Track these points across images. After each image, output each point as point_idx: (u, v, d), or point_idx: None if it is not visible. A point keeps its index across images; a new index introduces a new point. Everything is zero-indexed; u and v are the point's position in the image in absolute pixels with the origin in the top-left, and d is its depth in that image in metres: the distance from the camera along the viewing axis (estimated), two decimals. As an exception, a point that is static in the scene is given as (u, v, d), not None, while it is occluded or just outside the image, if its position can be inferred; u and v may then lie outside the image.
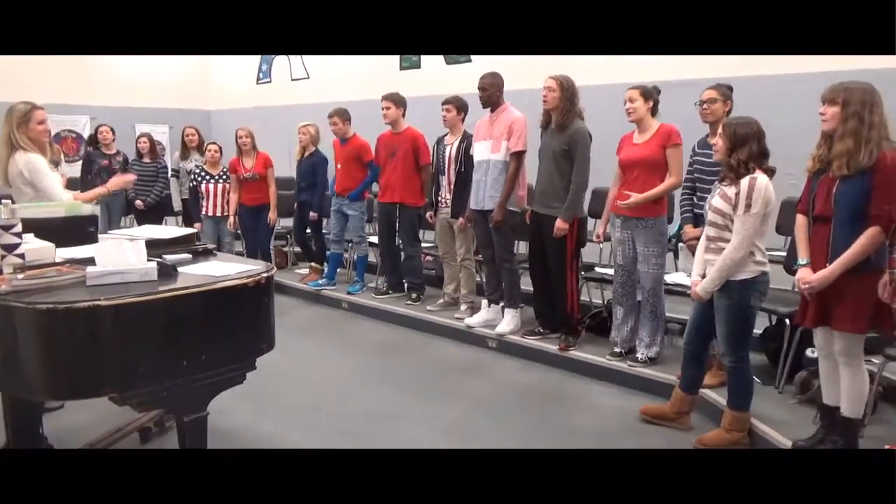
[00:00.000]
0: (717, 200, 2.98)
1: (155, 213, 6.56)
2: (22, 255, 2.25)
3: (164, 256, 2.49)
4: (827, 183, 2.70)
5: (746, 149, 2.86)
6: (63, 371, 2.06)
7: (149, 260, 2.33)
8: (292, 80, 9.16)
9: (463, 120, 5.08)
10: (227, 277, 2.34)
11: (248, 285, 2.35)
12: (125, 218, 6.98)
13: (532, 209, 4.44)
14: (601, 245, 4.31)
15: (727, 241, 2.94)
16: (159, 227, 3.57)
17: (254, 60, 9.58)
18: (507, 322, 4.69)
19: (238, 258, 3.07)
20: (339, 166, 5.89)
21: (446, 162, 5.09)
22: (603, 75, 5.66)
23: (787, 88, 4.96)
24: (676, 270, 4.37)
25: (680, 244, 4.17)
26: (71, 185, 4.40)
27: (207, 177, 6.23)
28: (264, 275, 2.42)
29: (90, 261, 2.28)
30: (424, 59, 7.59)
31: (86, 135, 8.39)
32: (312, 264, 6.54)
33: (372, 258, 6.27)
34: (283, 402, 3.74)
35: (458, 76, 6.86)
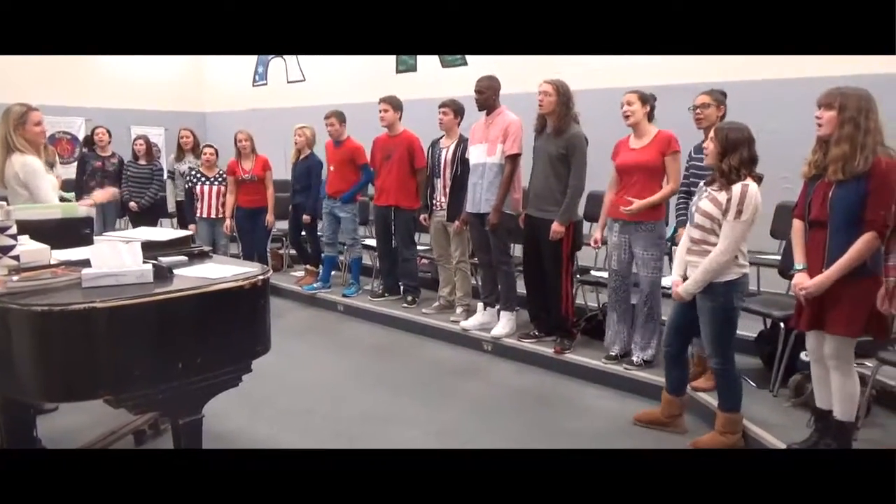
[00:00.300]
0: (706, 204, 2.98)
1: (150, 214, 6.54)
2: (17, 257, 2.25)
3: (160, 258, 2.49)
4: (823, 188, 2.72)
5: (738, 155, 2.87)
6: (58, 373, 2.06)
7: (144, 262, 2.32)
8: (288, 82, 9.15)
9: (459, 123, 5.09)
10: (222, 280, 2.34)
11: (245, 287, 2.35)
12: (119, 220, 6.96)
13: (526, 213, 4.44)
14: (597, 249, 4.31)
15: (712, 244, 2.96)
16: (155, 229, 3.57)
17: (250, 63, 9.57)
18: (503, 325, 4.70)
19: (234, 260, 3.07)
20: (331, 168, 5.88)
21: (441, 165, 5.10)
22: (598, 80, 5.68)
23: (781, 93, 4.98)
24: (672, 273, 4.37)
25: (674, 247, 4.18)
26: (66, 186, 4.39)
27: (203, 178, 6.22)
28: (260, 277, 2.42)
29: (86, 263, 2.28)
30: (420, 62, 7.60)
31: (81, 136, 8.37)
32: (308, 266, 6.54)
33: (367, 261, 6.27)
34: (278, 404, 3.73)
35: (454, 79, 6.87)
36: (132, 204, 6.55)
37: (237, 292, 2.33)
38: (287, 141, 6.49)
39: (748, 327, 3.98)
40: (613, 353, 4.14)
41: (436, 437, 3.37)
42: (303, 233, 6.49)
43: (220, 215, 6.23)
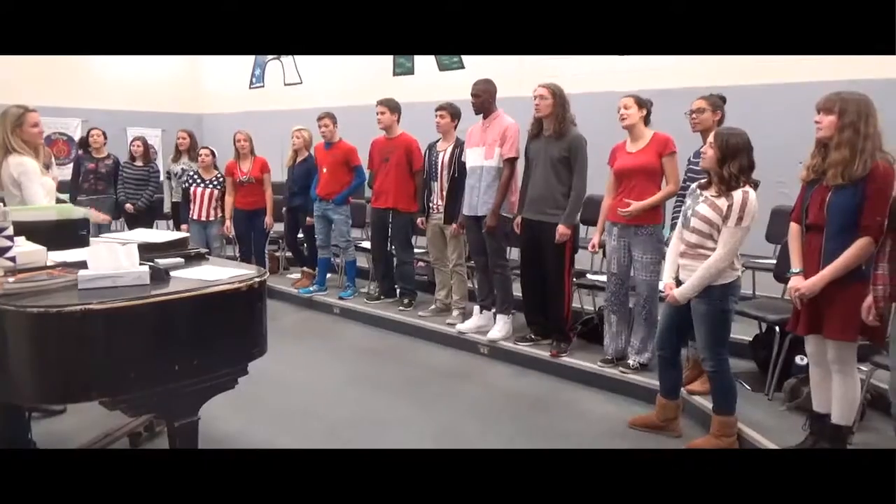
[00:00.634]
0: (704, 209, 2.97)
1: (146, 216, 6.53)
2: (13, 259, 2.24)
3: (157, 260, 2.48)
4: (821, 192, 2.73)
5: (737, 161, 2.87)
6: (54, 375, 2.05)
7: (141, 264, 2.32)
8: (285, 84, 9.15)
9: (456, 127, 5.10)
10: (219, 282, 2.33)
11: (242, 290, 2.34)
12: (115, 221, 6.94)
13: (524, 216, 4.43)
14: (594, 253, 4.32)
15: (709, 248, 2.96)
16: (151, 230, 3.56)
17: (247, 65, 9.57)
18: (499, 328, 4.70)
19: (230, 262, 3.06)
20: (324, 170, 5.84)
21: (438, 168, 5.10)
22: (594, 84, 5.69)
23: (778, 98, 5.01)
24: (664, 276, 4.38)
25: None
26: (61, 187, 4.38)
27: (198, 180, 6.20)
28: (257, 279, 2.41)
29: (82, 264, 2.27)
30: (417, 65, 7.61)
31: (77, 138, 8.36)
32: (304, 269, 6.53)
33: (363, 263, 6.26)
34: (274, 407, 3.73)
35: (451, 82, 6.89)
36: (128, 206, 6.53)
37: (234, 294, 2.32)
38: (284, 143, 6.48)
39: (743, 331, 3.99)
40: (609, 357, 4.15)
41: (432, 440, 3.37)
42: (300, 234, 6.47)
43: (212, 218, 6.18)
